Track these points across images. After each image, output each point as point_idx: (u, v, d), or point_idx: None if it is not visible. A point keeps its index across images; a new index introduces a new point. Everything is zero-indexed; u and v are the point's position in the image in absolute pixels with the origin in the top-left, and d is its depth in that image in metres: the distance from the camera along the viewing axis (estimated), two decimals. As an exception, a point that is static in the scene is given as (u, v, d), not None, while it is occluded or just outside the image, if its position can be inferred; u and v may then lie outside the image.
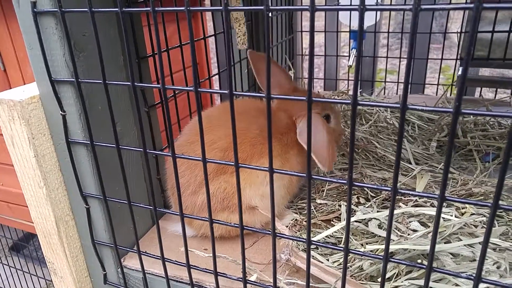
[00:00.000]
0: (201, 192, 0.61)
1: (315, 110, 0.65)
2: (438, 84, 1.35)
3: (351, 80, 1.49)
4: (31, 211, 0.58)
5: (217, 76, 0.94)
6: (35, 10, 0.45)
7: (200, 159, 0.45)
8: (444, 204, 0.53)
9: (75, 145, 0.53)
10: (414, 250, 0.46)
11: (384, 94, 1.37)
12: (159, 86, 0.43)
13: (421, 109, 0.35)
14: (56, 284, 0.64)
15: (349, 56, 1.29)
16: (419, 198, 0.55)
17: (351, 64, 1.28)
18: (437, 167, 0.75)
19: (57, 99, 0.50)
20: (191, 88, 0.42)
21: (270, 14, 0.38)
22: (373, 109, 1.06)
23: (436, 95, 1.37)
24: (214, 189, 0.60)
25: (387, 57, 1.40)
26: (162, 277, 0.57)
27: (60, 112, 0.51)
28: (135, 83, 0.45)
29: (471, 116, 0.98)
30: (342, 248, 0.42)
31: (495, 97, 1.22)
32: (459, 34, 1.24)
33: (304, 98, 0.37)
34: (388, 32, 1.44)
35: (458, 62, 1.27)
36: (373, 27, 1.43)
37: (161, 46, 0.64)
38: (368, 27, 1.41)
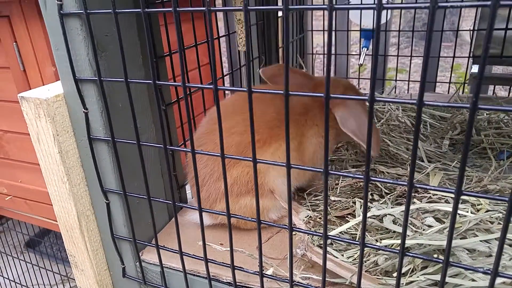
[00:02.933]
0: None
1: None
2: (450, 82, 1.34)
3: (361, 79, 1.49)
4: (54, 205, 0.60)
5: (228, 76, 0.96)
6: (61, 12, 0.47)
7: (219, 154, 0.46)
8: (460, 200, 0.53)
9: (96, 141, 0.55)
10: (430, 245, 0.46)
11: (395, 92, 1.37)
12: (180, 84, 0.45)
13: (438, 104, 0.35)
14: (77, 276, 0.66)
15: (359, 55, 1.29)
16: (433, 195, 0.55)
17: (361, 63, 1.28)
18: (450, 165, 0.75)
19: (80, 97, 0.52)
20: (211, 86, 0.43)
21: (280, 14, 0.39)
22: (384, 108, 1.06)
23: (448, 93, 1.36)
24: (238, 174, 0.61)
25: (397, 55, 1.40)
26: (179, 271, 0.58)
27: (83, 109, 0.53)
28: (156, 81, 0.46)
29: (485, 114, 0.97)
30: (358, 243, 0.43)
31: (508, 94, 1.21)
32: (471, 32, 1.23)
33: (322, 95, 0.38)
34: (399, 30, 1.44)
35: (471, 60, 1.26)
36: (383, 26, 1.43)
37: (176, 46, 0.66)
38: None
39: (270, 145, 0.62)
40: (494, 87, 1.30)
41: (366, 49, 1.29)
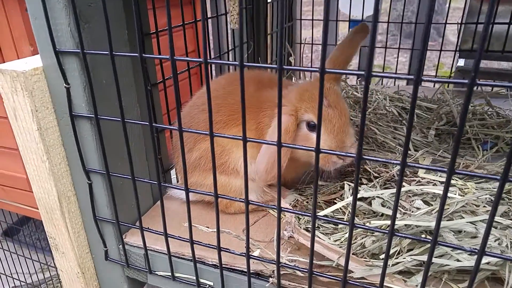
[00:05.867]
0: (195, 149, 0.64)
1: (286, 109, 0.57)
2: (436, 76, 1.36)
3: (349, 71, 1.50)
4: (33, 186, 0.58)
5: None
6: (41, -24, 0.44)
7: (207, 133, 0.45)
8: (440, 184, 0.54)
9: (78, 118, 0.52)
10: (418, 226, 0.46)
11: (382, 84, 1.38)
12: (168, 57, 0.43)
13: (437, 80, 0.35)
14: (58, 259, 0.63)
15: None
16: (422, 179, 0.55)
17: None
18: (436, 154, 0.76)
19: (61, 71, 0.50)
20: (201, 60, 0.42)
21: (269, 0, 0.37)
22: (372, 97, 1.07)
23: (433, 86, 1.38)
24: (205, 148, 0.63)
25: (386, 47, 1.41)
26: (163, 253, 0.57)
27: (64, 84, 0.50)
28: (143, 54, 0.44)
29: (470, 106, 0.99)
30: (347, 223, 0.43)
31: (492, 89, 1.23)
32: (458, 26, 1.25)
33: (317, 68, 0.37)
34: (388, 22, 1.44)
35: (457, 55, 1.28)
36: (372, 18, 1.43)
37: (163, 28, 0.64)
38: (367, 17, 1.41)
39: (231, 127, 0.62)
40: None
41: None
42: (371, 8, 1.35)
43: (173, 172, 0.79)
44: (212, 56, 0.83)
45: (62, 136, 0.55)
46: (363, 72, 0.34)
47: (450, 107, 0.95)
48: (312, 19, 1.41)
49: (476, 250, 0.37)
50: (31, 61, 0.52)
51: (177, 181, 0.76)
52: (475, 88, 1.45)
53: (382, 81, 1.39)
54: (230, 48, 0.95)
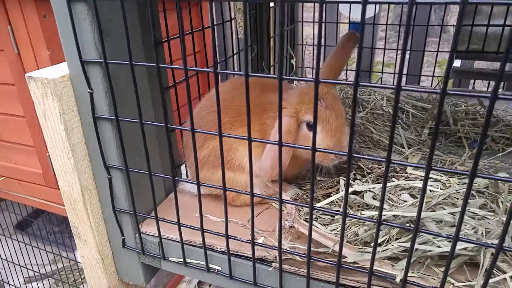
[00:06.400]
0: (204, 147, 0.70)
1: (287, 111, 0.62)
2: (433, 76, 1.41)
3: (349, 71, 1.54)
4: (59, 180, 0.64)
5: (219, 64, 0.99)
6: (70, -4, 0.50)
7: (216, 133, 0.50)
8: (432, 179, 0.59)
9: (100, 120, 0.58)
10: (404, 217, 0.52)
11: (381, 83, 1.42)
12: (181, 67, 0.48)
13: (413, 89, 0.40)
14: (80, 246, 0.70)
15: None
16: (410, 175, 0.61)
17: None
18: (428, 151, 0.82)
19: (86, 78, 0.56)
20: (211, 70, 0.47)
21: (272, 4, 0.42)
22: (370, 98, 1.12)
23: (431, 85, 1.42)
24: (213, 146, 0.68)
25: (384, 48, 1.45)
26: (176, 241, 0.63)
27: (88, 90, 0.56)
28: (160, 64, 0.50)
29: (463, 106, 1.04)
30: (341, 213, 0.49)
31: (487, 89, 1.28)
32: (454, 28, 1.29)
33: (312, 79, 0.43)
34: (387, 24, 1.49)
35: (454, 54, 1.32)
36: (371, 19, 1.47)
37: (172, 33, 0.70)
38: (367, 19, 1.46)
39: (237, 128, 0.67)
40: (474, 82, 1.37)
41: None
42: (371, 11, 1.40)
43: (182, 168, 0.85)
44: (218, 60, 0.88)
45: (85, 135, 0.61)
46: (351, 83, 0.40)
47: (444, 107, 1.00)
48: (314, 21, 1.46)
49: (452, 237, 0.43)
50: (59, 69, 0.58)
51: (187, 177, 0.82)
52: (470, 87, 1.49)
53: (381, 81, 1.44)
54: (235, 52, 1.01)
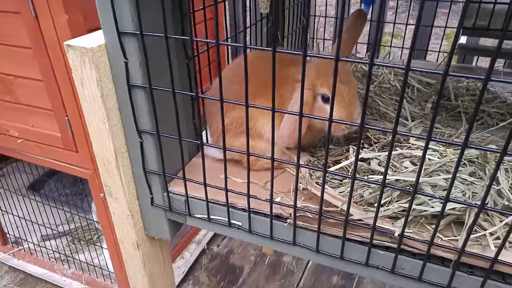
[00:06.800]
0: (227, 116, 0.74)
1: (305, 84, 0.68)
2: (439, 51, 1.44)
3: (359, 44, 1.57)
4: (94, 143, 0.70)
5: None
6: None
7: (243, 103, 0.56)
8: (431, 149, 0.66)
9: (134, 88, 0.64)
10: (405, 181, 0.59)
11: (389, 58, 1.46)
12: (214, 42, 0.53)
13: (419, 69, 0.46)
14: (111, 204, 0.78)
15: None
16: (412, 145, 0.68)
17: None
18: (429, 124, 0.88)
19: (122, 49, 0.60)
20: (241, 45, 0.52)
21: None
22: (378, 71, 1.16)
23: (436, 61, 1.46)
24: (235, 115, 0.74)
25: (394, 22, 1.47)
26: (201, 199, 0.71)
27: (123, 59, 0.61)
28: (193, 38, 0.55)
29: (465, 82, 1.09)
30: (350, 176, 0.56)
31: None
32: (463, 3, 1.30)
33: (333, 57, 0.48)
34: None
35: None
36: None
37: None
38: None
39: (258, 98, 0.73)
40: (478, 58, 1.40)
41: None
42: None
43: (203, 134, 0.91)
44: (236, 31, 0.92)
45: (118, 102, 0.67)
46: (367, 62, 0.45)
47: (447, 83, 1.05)
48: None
49: (443, 198, 0.50)
50: (95, 38, 0.63)
51: (207, 142, 0.89)
52: (474, 63, 1.52)
53: (389, 55, 1.47)
54: (247, 24, 1.04)
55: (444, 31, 1.40)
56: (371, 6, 1.43)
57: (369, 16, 1.35)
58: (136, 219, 0.79)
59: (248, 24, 1.07)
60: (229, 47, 1.29)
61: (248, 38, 1.13)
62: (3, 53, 1.24)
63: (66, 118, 1.27)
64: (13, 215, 1.83)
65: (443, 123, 0.92)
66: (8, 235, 1.91)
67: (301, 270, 1.83)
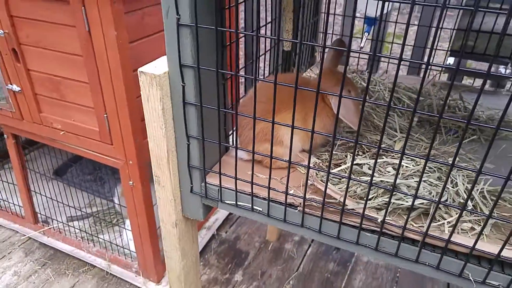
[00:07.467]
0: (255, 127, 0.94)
1: (345, 89, 0.94)
2: (430, 69, 1.63)
3: (361, 59, 1.76)
4: (151, 142, 0.91)
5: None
6: (178, 23, 0.74)
7: (271, 121, 0.77)
8: (409, 159, 0.87)
9: (188, 105, 0.84)
10: (387, 182, 0.80)
11: (386, 73, 1.66)
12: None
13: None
14: (158, 190, 0.99)
15: (361, 38, 1.55)
16: (396, 155, 0.89)
17: (362, 46, 1.54)
18: (414, 135, 1.09)
19: (181, 76, 0.81)
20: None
21: None
22: (375, 88, 1.37)
23: (427, 77, 1.65)
24: (262, 127, 0.95)
25: (396, 22, 1.62)
26: (231, 189, 0.92)
27: (181, 83, 0.82)
28: (237, 73, 0.75)
29: (448, 100, 1.29)
30: (347, 176, 0.77)
31: (472, 84, 1.52)
32: (451, 31, 1.49)
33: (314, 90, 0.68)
34: (400, 2, 1.68)
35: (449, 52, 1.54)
36: (384, 16, 1.66)
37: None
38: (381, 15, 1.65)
39: (281, 112, 0.93)
40: (462, 77, 1.59)
41: (367, 34, 1.54)
42: (386, 6, 1.59)
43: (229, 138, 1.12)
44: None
45: (173, 114, 0.87)
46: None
47: (432, 100, 1.26)
48: (334, 14, 1.65)
49: (412, 195, 0.71)
50: (160, 65, 0.83)
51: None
52: (462, 82, 1.71)
53: (386, 71, 1.67)
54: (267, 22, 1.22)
55: (435, 52, 1.59)
56: (372, 27, 1.63)
57: (370, 36, 1.54)
58: (177, 203, 1.00)
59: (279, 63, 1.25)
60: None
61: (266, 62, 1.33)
62: (57, 58, 1.44)
63: (105, 115, 1.48)
64: (41, 195, 2.03)
65: (426, 135, 1.13)
66: (39, 214, 2.12)
67: (300, 256, 2.05)
